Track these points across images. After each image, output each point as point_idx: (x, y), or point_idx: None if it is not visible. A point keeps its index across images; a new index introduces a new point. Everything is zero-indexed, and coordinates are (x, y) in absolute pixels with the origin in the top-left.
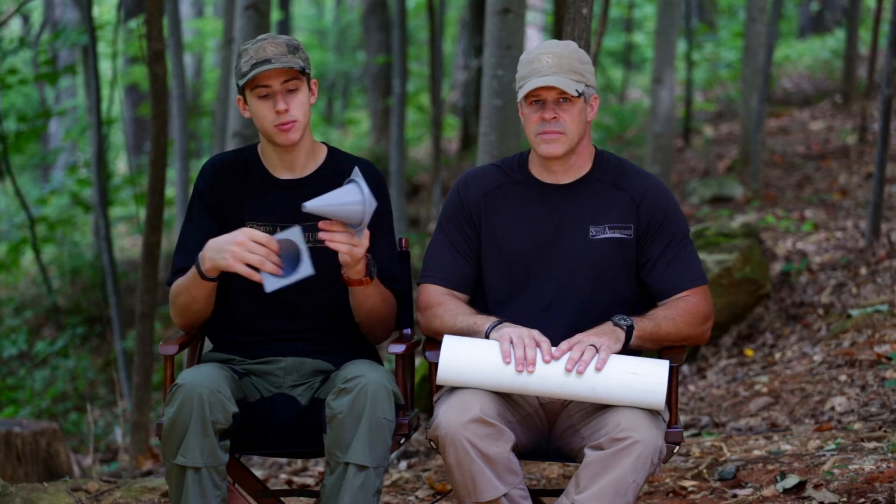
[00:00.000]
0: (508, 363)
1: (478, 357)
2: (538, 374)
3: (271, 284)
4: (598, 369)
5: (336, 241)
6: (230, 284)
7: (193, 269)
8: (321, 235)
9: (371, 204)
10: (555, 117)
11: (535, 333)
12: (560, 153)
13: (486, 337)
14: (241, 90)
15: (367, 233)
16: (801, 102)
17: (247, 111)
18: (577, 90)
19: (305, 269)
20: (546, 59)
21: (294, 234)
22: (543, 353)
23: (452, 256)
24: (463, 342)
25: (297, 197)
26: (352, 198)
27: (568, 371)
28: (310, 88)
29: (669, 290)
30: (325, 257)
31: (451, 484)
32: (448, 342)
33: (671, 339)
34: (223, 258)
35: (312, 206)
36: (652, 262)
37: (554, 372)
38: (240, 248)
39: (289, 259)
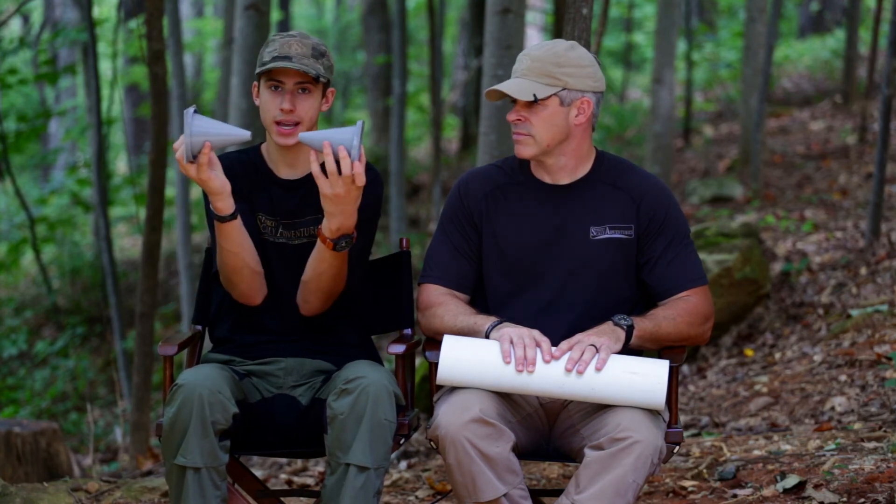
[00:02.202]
0: (508, 363)
1: (478, 357)
2: (538, 374)
3: (305, 136)
4: (598, 369)
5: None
6: None
7: (216, 226)
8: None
9: (357, 150)
10: (519, 119)
11: (536, 333)
12: (529, 155)
13: (487, 337)
14: (258, 78)
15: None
16: (801, 102)
17: (258, 100)
18: (535, 95)
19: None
20: (524, 61)
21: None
22: (543, 352)
23: (453, 256)
24: (463, 342)
25: (298, 196)
26: (342, 137)
27: (568, 371)
28: (324, 95)
29: (670, 290)
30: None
31: (451, 484)
32: (448, 342)
33: (671, 339)
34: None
35: (305, 136)
36: (652, 262)
37: (554, 372)
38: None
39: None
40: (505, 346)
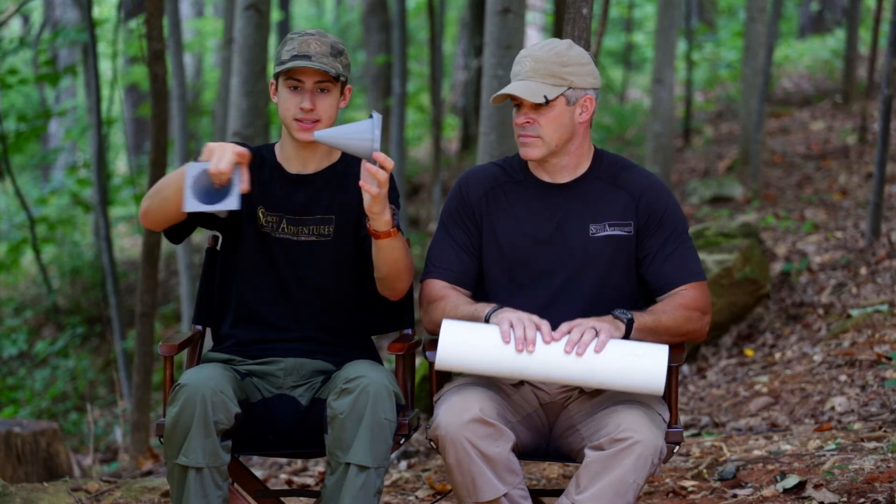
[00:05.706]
0: (508, 342)
1: (477, 339)
2: (537, 355)
3: (191, 205)
4: (598, 351)
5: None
6: (236, 269)
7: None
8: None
9: (377, 143)
10: (528, 122)
11: (535, 317)
12: (537, 157)
13: (486, 321)
14: (276, 76)
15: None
16: (801, 102)
17: (276, 97)
18: (545, 96)
19: (231, 201)
20: (526, 63)
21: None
22: (543, 334)
23: (455, 252)
24: (462, 325)
25: (307, 192)
26: (362, 134)
27: (567, 353)
28: (342, 93)
29: (667, 284)
30: (321, 251)
31: (451, 484)
32: (447, 325)
33: (670, 333)
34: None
35: (321, 135)
36: (650, 257)
37: (553, 353)
38: (223, 152)
39: (220, 189)
40: (504, 327)
